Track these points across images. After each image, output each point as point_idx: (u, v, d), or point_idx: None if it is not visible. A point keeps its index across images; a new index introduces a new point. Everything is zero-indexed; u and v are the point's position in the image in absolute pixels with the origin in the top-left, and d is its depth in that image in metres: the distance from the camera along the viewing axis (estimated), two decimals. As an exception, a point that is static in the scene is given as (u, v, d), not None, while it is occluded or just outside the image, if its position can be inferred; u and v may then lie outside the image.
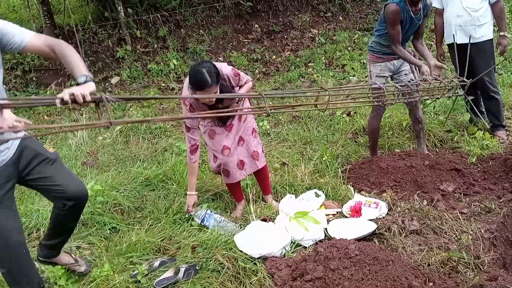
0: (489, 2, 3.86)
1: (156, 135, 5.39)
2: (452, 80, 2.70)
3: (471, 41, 3.76)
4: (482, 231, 2.71)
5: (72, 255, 2.60)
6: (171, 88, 6.97)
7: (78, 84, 1.80)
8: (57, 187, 2.14)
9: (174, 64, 7.16)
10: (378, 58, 3.66)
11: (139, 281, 2.48)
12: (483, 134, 3.83)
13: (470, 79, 2.85)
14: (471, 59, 3.83)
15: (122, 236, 2.99)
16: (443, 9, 4.05)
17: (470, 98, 3.84)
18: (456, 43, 3.61)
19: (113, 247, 2.84)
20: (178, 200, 3.39)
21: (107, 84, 6.97)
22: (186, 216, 3.13)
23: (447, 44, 4.14)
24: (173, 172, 3.90)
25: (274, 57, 7.51)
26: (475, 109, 3.94)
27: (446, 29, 4.06)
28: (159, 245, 2.83)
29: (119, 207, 3.37)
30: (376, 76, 3.67)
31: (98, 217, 3.17)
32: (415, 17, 3.44)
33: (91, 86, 1.77)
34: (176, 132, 5.49)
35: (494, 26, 4.07)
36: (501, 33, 3.90)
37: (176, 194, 3.52)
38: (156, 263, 2.62)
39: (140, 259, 2.70)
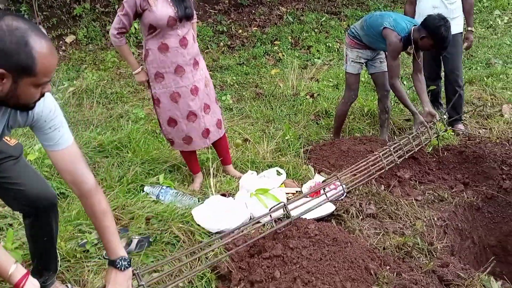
0: None
1: (111, 100, 5.13)
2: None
3: None
4: (435, 218, 2.79)
5: (68, 285, 2.19)
6: (130, 52, 6.64)
7: (112, 264, 1.64)
8: (17, 186, 1.76)
9: (135, 28, 6.78)
10: (357, 44, 3.63)
11: (88, 250, 2.34)
12: (440, 125, 3.93)
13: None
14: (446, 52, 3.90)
15: (71, 203, 2.81)
16: None
17: (432, 88, 3.94)
18: None
19: (61, 213, 2.66)
20: (134, 169, 3.23)
21: (61, 42, 6.51)
22: (143, 190, 2.98)
23: None
24: (129, 139, 3.72)
25: (240, 31, 7.33)
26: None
27: (418, 20, 3.96)
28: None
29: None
30: (351, 61, 3.66)
31: (45, 181, 2.96)
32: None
33: (129, 276, 1.63)
34: (133, 99, 5.26)
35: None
36: (469, 28, 3.98)
37: (131, 162, 3.35)
38: (107, 233, 2.48)
39: (90, 228, 2.54)
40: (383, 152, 3.09)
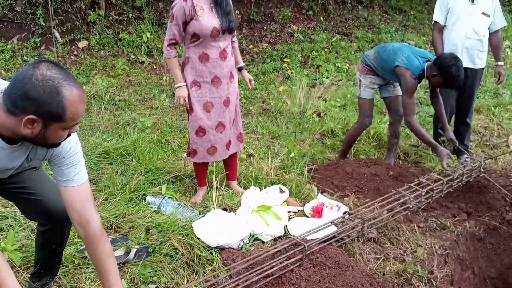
0: (489, 30, 3.85)
1: (119, 107, 5.16)
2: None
3: (473, 67, 3.82)
4: (436, 247, 2.77)
5: None
6: (140, 61, 6.71)
7: None
8: (34, 196, 1.75)
9: (147, 37, 6.88)
10: (370, 71, 3.65)
11: (86, 257, 2.34)
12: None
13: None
14: (470, 85, 3.89)
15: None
16: (444, 26, 3.88)
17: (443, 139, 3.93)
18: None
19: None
20: (137, 178, 3.23)
21: (73, 47, 6.60)
22: (146, 200, 2.99)
23: None
24: (134, 148, 3.74)
25: (251, 46, 7.40)
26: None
27: (448, 49, 3.80)
28: (112, 222, 2.68)
29: (72, 177, 3.17)
30: (365, 87, 3.68)
31: (48, 185, 2.97)
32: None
33: None
34: (141, 108, 5.29)
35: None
36: (499, 63, 3.99)
37: (135, 171, 3.36)
38: (107, 241, 2.48)
39: (90, 234, 2.54)
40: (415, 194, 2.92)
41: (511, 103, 5.34)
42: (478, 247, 3.04)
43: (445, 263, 2.66)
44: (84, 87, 5.43)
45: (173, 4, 2.75)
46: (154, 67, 6.70)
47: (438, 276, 2.43)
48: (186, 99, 2.87)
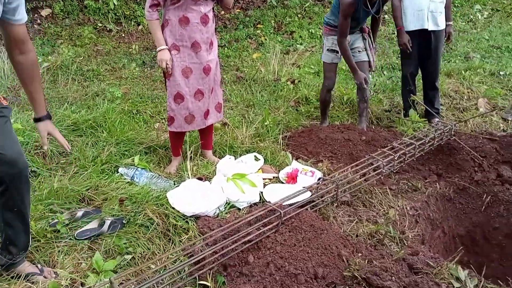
0: None
1: (87, 78, 5.00)
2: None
3: (437, 29, 3.87)
4: (408, 208, 2.84)
5: (38, 266, 2.08)
6: (108, 29, 6.46)
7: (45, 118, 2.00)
8: None
9: (114, 3, 6.60)
10: (331, 31, 3.70)
11: (59, 231, 2.29)
12: (419, 117, 3.99)
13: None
14: (435, 47, 3.95)
15: (42, 182, 2.74)
16: None
17: (410, 87, 4.01)
18: (428, 29, 3.77)
19: (32, 192, 2.59)
20: (108, 150, 3.16)
21: (36, 15, 6.28)
22: (118, 171, 2.93)
23: (407, 31, 3.91)
24: (104, 119, 3.64)
25: (222, 12, 7.22)
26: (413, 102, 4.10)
27: (413, 15, 3.85)
28: (84, 195, 2.63)
29: (41, 150, 3.07)
30: (327, 49, 3.76)
31: (15, 159, 2.87)
32: (371, 10, 3.46)
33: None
34: (110, 78, 5.14)
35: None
36: (449, 22, 4.03)
37: (106, 142, 3.29)
38: (79, 213, 2.43)
39: (61, 208, 2.49)
40: (387, 159, 2.96)
41: (480, 67, 5.42)
42: (448, 207, 3.14)
43: (416, 223, 2.74)
44: (49, 57, 5.20)
45: None
46: (123, 35, 6.48)
47: (410, 236, 2.51)
48: (169, 62, 2.77)
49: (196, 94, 2.90)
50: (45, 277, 1.99)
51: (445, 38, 4.06)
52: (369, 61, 3.77)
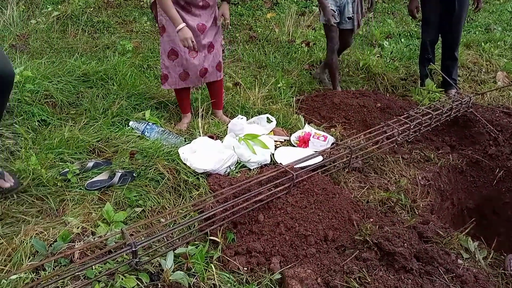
0: None
1: (98, 29, 4.89)
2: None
3: None
4: (420, 177, 2.81)
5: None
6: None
7: None
8: None
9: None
10: None
11: (69, 180, 2.29)
12: (435, 86, 3.90)
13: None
14: (458, 13, 3.77)
15: (53, 131, 2.71)
16: None
17: (429, 56, 3.89)
18: None
19: (42, 140, 2.57)
20: (119, 103, 3.12)
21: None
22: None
23: None
24: (115, 72, 3.58)
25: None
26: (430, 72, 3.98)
27: None
28: (94, 146, 2.61)
29: (51, 99, 3.04)
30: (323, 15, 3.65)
31: (26, 107, 2.84)
32: None
33: None
34: (120, 30, 5.02)
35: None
36: None
37: (117, 95, 3.23)
38: (90, 164, 2.42)
39: (72, 157, 2.48)
40: (402, 128, 2.89)
41: (501, 39, 5.25)
42: (459, 179, 3.11)
43: (427, 193, 2.72)
44: (59, 6, 5.07)
45: None
46: (134, -13, 6.27)
47: (421, 205, 2.49)
48: (193, 39, 2.66)
49: (190, 52, 2.81)
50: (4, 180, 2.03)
51: (474, 6, 3.88)
52: (353, 27, 3.77)
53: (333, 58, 3.79)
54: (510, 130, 3.33)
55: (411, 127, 2.93)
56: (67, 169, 2.32)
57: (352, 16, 3.69)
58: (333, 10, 3.60)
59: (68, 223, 1.99)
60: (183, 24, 2.63)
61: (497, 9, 6.69)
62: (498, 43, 5.16)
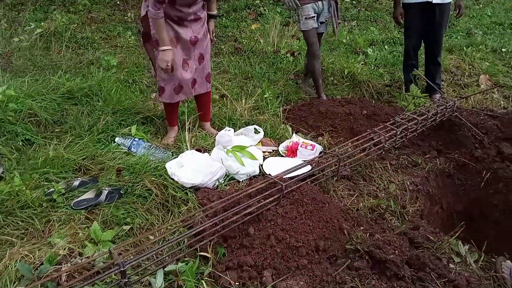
0: None
1: (82, 45, 4.87)
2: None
3: (441, 2, 3.75)
4: (408, 183, 2.82)
5: None
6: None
7: None
8: None
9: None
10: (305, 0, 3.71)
11: (55, 200, 2.24)
12: (419, 92, 3.94)
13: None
14: (439, 21, 3.84)
15: (37, 150, 2.67)
16: None
17: (412, 62, 3.95)
18: (432, 2, 3.67)
19: (26, 160, 2.53)
20: (105, 119, 3.09)
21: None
22: (114, 140, 2.86)
23: (410, 3, 3.86)
24: (100, 88, 3.54)
25: (221, -18, 7.01)
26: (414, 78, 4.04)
27: None
28: (80, 164, 2.58)
29: (35, 118, 3.00)
30: (305, 18, 3.73)
31: (9, 126, 2.80)
32: None
33: None
34: (105, 46, 5.01)
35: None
36: None
37: (102, 111, 3.21)
38: (76, 183, 2.38)
39: (57, 177, 2.44)
40: (389, 134, 2.91)
41: (482, 43, 5.34)
42: (447, 183, 3.13)
43: (416, 199, 2.73)
44: (42, 23, 5.04)
45: None
46: (118, 2, 6.28)
47: (410, 211, 2.49)
48: (170, 63, 2.70)
49: (183, 64, 2.83)
50: None
51: (456, 12, 3.94)
52: (324, 31, 3.92)
53: (316, 64, 3.87)
54: (495, 132, 3.37)
55: (398, 133, 2.95)
56: (52, 189, 2.28)
57: (326, 20, 3.80)
58: (313, 16, 3.70)
59: (55, 244, 1.95)
60: (169, 47, 2.67)
61: (477, 13, 6.82)
62: (480, 47, 5.24)
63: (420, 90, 4.05)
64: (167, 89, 2.87)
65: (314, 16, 3.71)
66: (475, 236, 2.97)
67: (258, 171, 2.73)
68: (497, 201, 3.05)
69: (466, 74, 4.63)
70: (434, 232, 2.26)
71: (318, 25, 3.77)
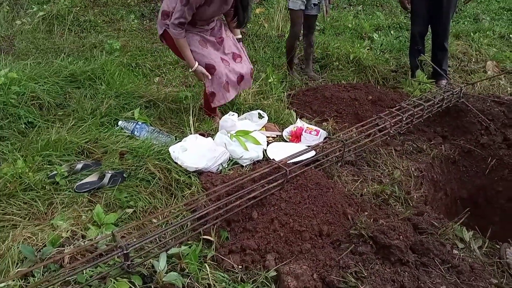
0: None
1: (84, 29, 4.82)
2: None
3: None
4: (413, 169, 2.80)
5: None
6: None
7: None
8: None
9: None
10: None
11: (58, 183, 2.24)
12: (426, 78, 3.89)
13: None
14: (446, 5, 3.77)
15: (40, 133, 2.66)
16: None
17: (418, 47, 3.89)
18: None
19: (29, 143, 2.52)
20: (108, 102, 3.06)
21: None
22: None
23: None
24: (103, 71, 3.52)
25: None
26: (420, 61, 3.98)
27: None
28: (83, 147, 2.56)
29: (38, 101, 2.98)
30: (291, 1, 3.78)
31: (12, 109, 2.78)
32: None
33: None
34: (108, 29, 4.96)
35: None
36: None
37: (105, 95, 3.18)
38: (79, 166, 2.37)
39: (60, 160, 2.43)
40: (394, 120, 2.89)
41: (490, 29, 5.26)
42: (452, 169, 3.11)
43: (420, 185, 2.71)
44: (44, 6, 4.99)
45: None
46: (121, -15, 6.19)
47: (415, 197, 2.48)
48: (205, 73, 2.78)
49: (223, 62, 2.87)
50: None
51: None
52: (318, 12, 3.93)
53: (295, 42, 3.99)
54: (501, 119, 3.33)
55: (403, 119, 2.92)
56: (55, 172, 2.27)
57: (318, 2, 3.81)
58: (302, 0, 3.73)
59: (57, 227, 1.94)
60: (197, 65, 2.76)
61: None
62: (487, 32, 5.17)
63: (426, 76, 4.00)
64: (217, 92, 2.88)
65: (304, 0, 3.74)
66: (479, 222, 2.95)
67: (262, 156, 2.71)
68: (502, 188, 3.04)
69: (473, 60, 4.56)
70: (438, 218, 2.25)
71: (311, 6, 3.80)
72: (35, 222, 2.00)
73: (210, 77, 2.80)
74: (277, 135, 3.03)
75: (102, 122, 2.87)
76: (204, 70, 2.78)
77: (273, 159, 2.54)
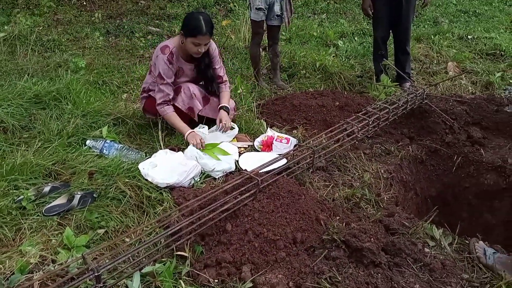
0: None
1: (48, 48, 4.74)
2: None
3: None
4: (382, 171, 2.86)
5: None
6: (69, -4, 6.11)
7: None
8: None
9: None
10: None
11: (25, 207, 2.18)
12: (390, 81, 3.99)
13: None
14: (406, 12, 3.90)
15: (5, 157, 2.58)
16: None
17: (386, 63, 4.00)
18: None
19: (-8, 168, 2.45)
20: (74, 122, 3.01)
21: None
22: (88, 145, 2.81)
23: None
24: (68, 90, 3.45)
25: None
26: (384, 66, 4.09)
27: None
28: (50, 169, 2.50)
29: (1, 124, 2.90)
30: (255, 8, 3.85)
31: (-27, 134, 2.69)
32: None
33: None
34: (72, 48, 4.89)
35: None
36: None
37: (71, 115, 3.13)
38: (46, 188, 2.31)
39: (27, 183, 2.36)
40: (361, 124, 2.97)
41: (449, 31, 5.47)
42: (420, 169, 3.19)
43: (390, 186, 2.77)
44: (5, 27, 4.88)
45: (156, 63, 2.85)
46: (84, 3, 6.14)
47: (385, 198, 2.53)
48: (199, 139, 2.83)
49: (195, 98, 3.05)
50: None
51: (421, 2, 4.02)
52: (281, 23, 3.98)
53: (257, 51, 4.09)
54: (464, 117, 3.46)
55: (370, 122, 2.99)
56: (21, 196, 2.21)
57: (280, 13, 3.88)
58: (263, 8, 3.81)
59: (26, 252, 1.89)
60: (190, 130, 2.88)
61: (443, 2, 6.97)
62: (447, 34, 5.36)
63: (390, 79, 4.12)
64: (191, 105, 3.00)
65: (265, 10, 3.82)
66: (448, 219, 3.04)
67: (234, 167, 2.71)
68: (469, 184, 3.13)
69: (435, 62, 4.72)
70: (409, 218, 2.30)
71: (274, 17, 3.88)
72: (2, 249, 1.94)
73: (201, 142, 2.83)
74: (248, 145, 3.04)
75: (70, 142, 2.81)
76: (196, 136, 2.85)
77: (245, 170, 2.55)
